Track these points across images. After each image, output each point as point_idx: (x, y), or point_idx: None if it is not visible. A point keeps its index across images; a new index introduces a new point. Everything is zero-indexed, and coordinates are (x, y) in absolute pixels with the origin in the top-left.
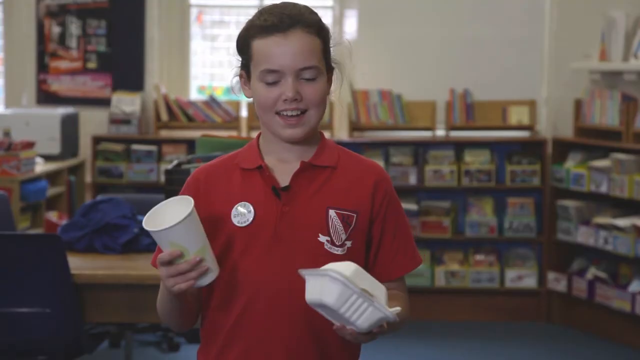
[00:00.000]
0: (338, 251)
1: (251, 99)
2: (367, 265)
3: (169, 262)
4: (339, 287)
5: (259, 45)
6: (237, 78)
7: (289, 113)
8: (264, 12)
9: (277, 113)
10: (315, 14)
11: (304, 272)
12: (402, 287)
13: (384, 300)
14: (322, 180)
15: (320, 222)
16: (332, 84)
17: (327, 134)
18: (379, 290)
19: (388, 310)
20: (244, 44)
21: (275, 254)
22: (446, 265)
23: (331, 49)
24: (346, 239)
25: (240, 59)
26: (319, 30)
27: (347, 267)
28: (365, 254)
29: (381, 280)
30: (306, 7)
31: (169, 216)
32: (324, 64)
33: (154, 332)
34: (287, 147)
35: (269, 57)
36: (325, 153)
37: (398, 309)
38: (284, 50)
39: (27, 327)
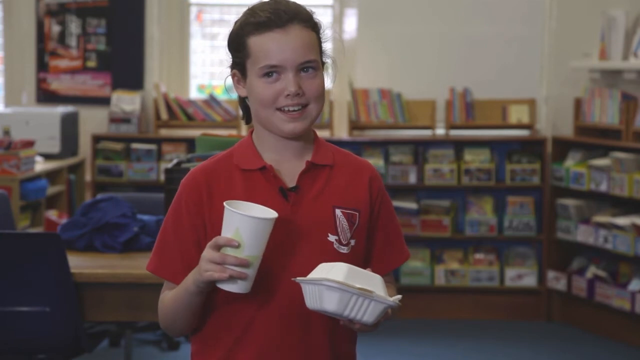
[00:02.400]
0: (344, 250)
1: (243, 99)
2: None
3: (219, 248)
4: (337, 294)
5: (257, 41)
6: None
7: (291, 108)
8: (257, 9)
9: (278, 109)
10: (308, 9)
11: (299, 280)
12: (390, 280)
13: (382, 289)
14: (323, 179)
15: (328, 221)
16: (325, 80)
17: (327, 133)
18: (374, 281)
19: (389, 300)
20: (238, 43)
21: (286, 256)
22: (446, 264)
23: (323, 44)
24: (351, 238)
25: (233, 58)
26: (314, 25)
27: (340, 270)
28: None
29: None
30: (297, 3)
31: (251, 212)
32: (320, 59)
33: (153, 331)
34: (285, 145)
35: (268, 52)
36: (322, 151)
37: (399, 296)
38: (283, 46)
39: (26, 326)
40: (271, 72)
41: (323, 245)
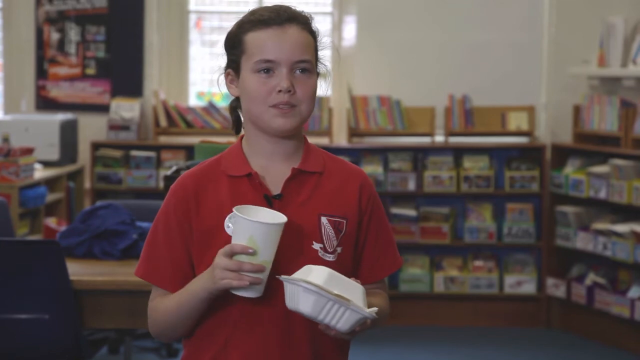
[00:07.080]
0: (330, 258)
1: (234, 108)
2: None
3: (233, 255)
4: (313, 297)
5: (254, 37)
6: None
7: (281, 106)
8: (258, 10)
9: (270, 106)
10: (307, 14)
11: (282, 278)
12: (382, 287)
13: (361, 300)
14: (311, 186)
15: (313, 229)
16: (318, 87)
17: (326, 140)
18: (354, 291)
19: (365, 311)
20: (235, 40)
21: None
22: (445, 271)
23: (320, 52)
24: (337, 245)
25: (229, 56)
26: (312, 30)
27: (320, 274)
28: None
29: (364, 282)
30: (297, 9)
31: (262, 218)
32: (315, 62)
33: (152, 339)
34: (274, 148)
35: (264, 47)
36: (312, 158)
37: (375, 308)
38: (280, 42)
39: (25, 334)
40: (266, 68)
41: (307, 254)
